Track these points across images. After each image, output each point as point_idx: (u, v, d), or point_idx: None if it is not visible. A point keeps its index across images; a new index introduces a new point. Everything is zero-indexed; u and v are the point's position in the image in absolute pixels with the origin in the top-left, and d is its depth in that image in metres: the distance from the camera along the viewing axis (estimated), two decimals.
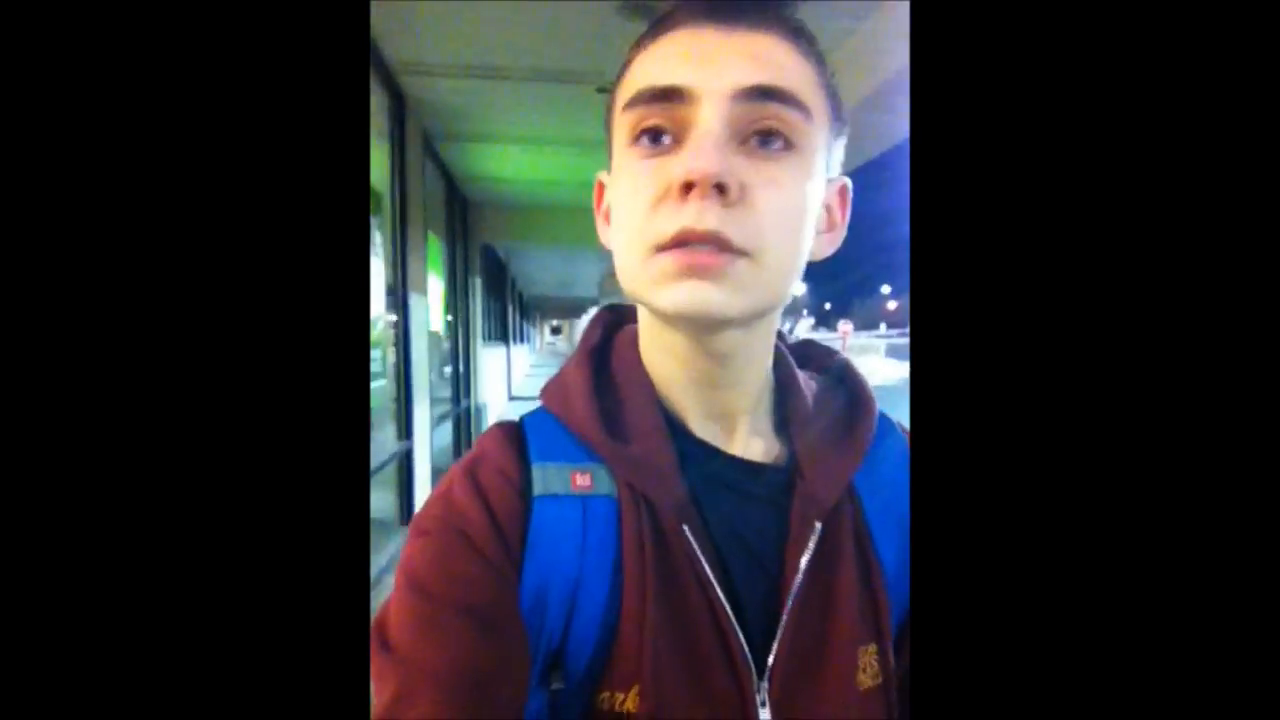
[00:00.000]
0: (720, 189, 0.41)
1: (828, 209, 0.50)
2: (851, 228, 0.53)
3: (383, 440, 3.48)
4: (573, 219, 6.66)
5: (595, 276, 13.48)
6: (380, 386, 3.47)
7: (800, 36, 0.46)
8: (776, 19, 0.45)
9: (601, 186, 0.53)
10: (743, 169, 0.42)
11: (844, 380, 0.58)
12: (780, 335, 0.56)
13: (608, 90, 0.50)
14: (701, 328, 0.46)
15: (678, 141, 0.43)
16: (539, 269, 13.16)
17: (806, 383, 0.56)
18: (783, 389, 0.55)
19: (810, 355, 0.60)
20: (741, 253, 0.42)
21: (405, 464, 3.80)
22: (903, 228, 0.60)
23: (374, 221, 3.34)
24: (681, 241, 0.42)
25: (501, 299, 10.80)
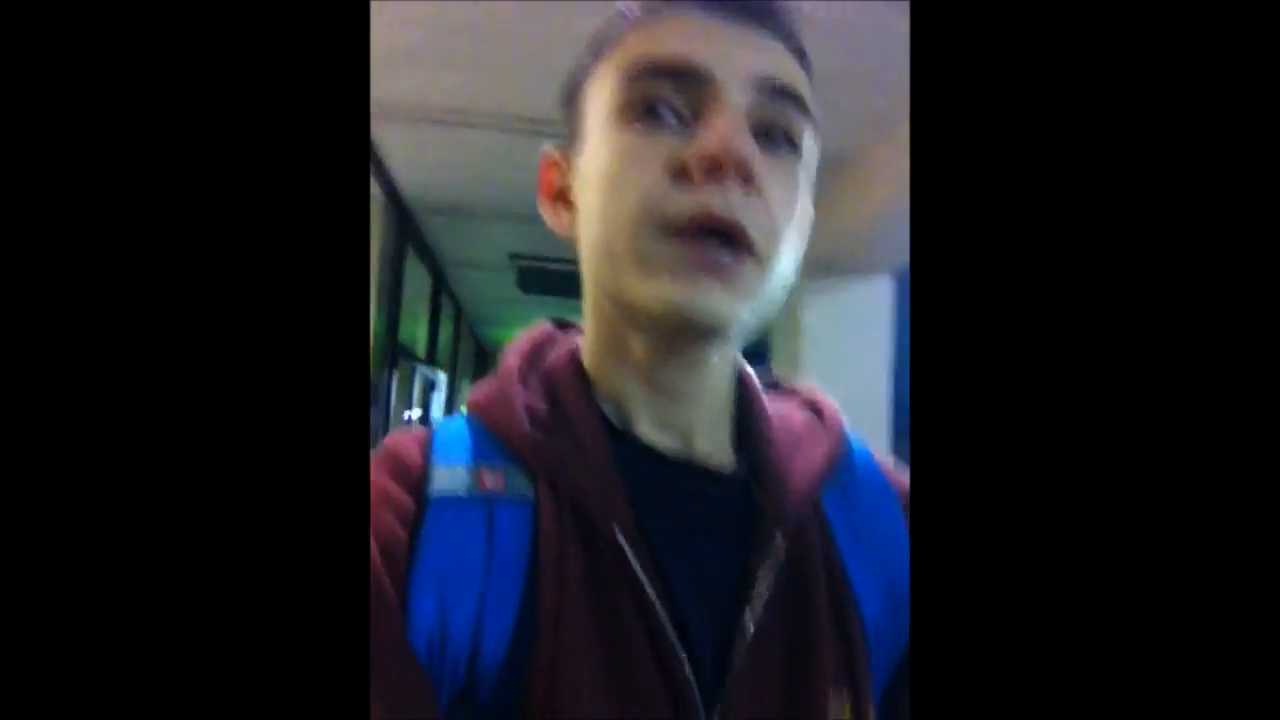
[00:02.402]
0: (745, 174, 0.38)
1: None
2: None
3: None
4: None
5: None
6: None
7: (800, 49, 0.44)
8: (782, 28, 0.43)
9: (552, 164, 0.48)
10: (759, 160, 0.40)
11: (808, 400, 0.53)
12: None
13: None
14: (687, 332, 0.41)
15: (688, 121, 0.40)
16: None
17: (769, 403, 0.51)
18: (743, 403, 0.49)
19: (775, 381, 0.55)
20: (753, 253, 0.40)
21: None
22: None
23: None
24: (699, 226, 0.38)
25: None
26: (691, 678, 0.38)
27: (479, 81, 2.09)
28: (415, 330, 4.29)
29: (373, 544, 0.38)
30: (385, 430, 3.98)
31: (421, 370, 4.27)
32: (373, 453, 0.43)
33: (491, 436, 0.44)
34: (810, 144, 0.44)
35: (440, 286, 4.43)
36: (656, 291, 0.39)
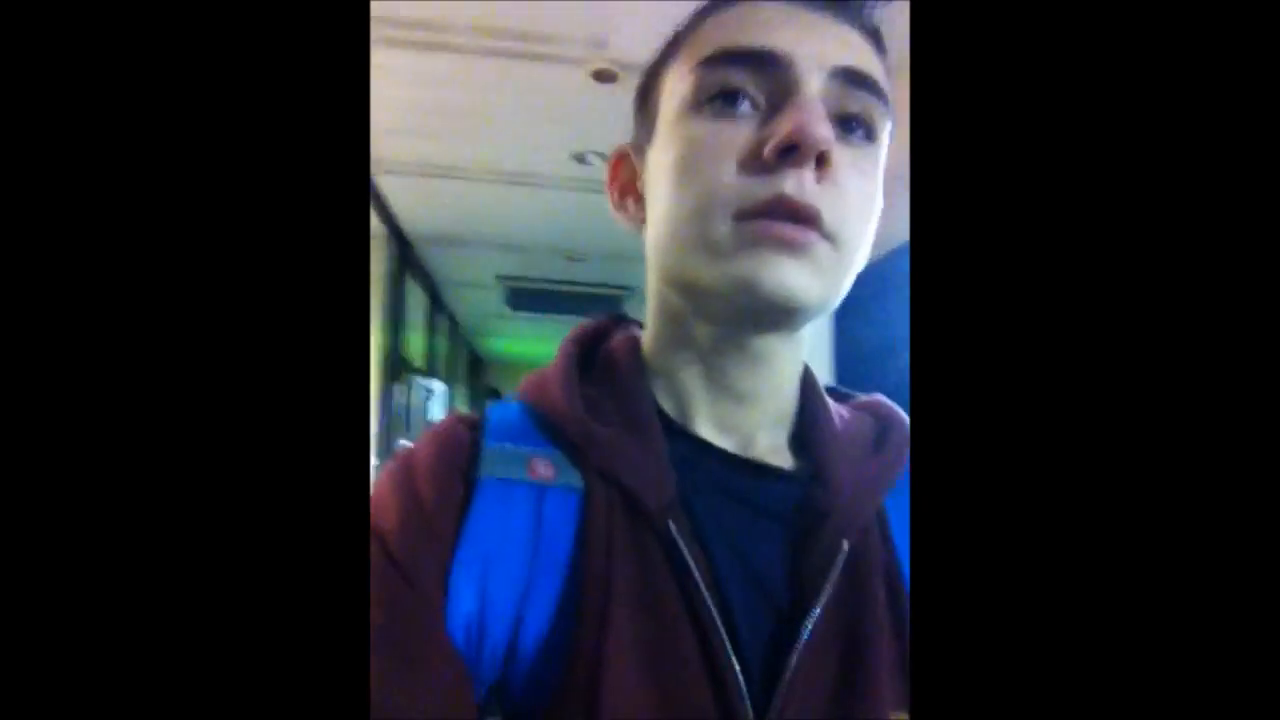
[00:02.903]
0: (821, 160, 0.38)
1: None
2: None
3: None
4: None
5: None
6: None
7: (879, 38, 0.44)
8: (858, 15, 0.43)
9: (621, 159, 0.48)
10: (835, 147, 0.39)
11: (875, 409, 0.51)
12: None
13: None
14: (759, 314, 0.41)
15: (766, 107, 0.40)
16: None
17: (835, 408, 0.49)
18: (807, 409, 0.48)
19: (840, 394, 0.53)
20: (828, 235, 0.39)
21: None
22: None
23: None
24: (773, 210, 0.38)
25: None
26: (741, 682, 0.37)
27: (465, 142, 2.53)
28: (416, 344, 4.68)
29: (417, 525, 0.39)
30: (388, 437, 4.38)
31: (419, 382, 4.68)
32: (406, 445, 0.47)
33: (544, 423, 0.43)
34: (887, 134, 0.43)
35: (437, 305, 4.86)
36: (727, 269, 0.39)
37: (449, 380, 5.72)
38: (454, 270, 4.33)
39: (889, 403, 0.51)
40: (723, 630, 0.38)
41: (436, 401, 5.06)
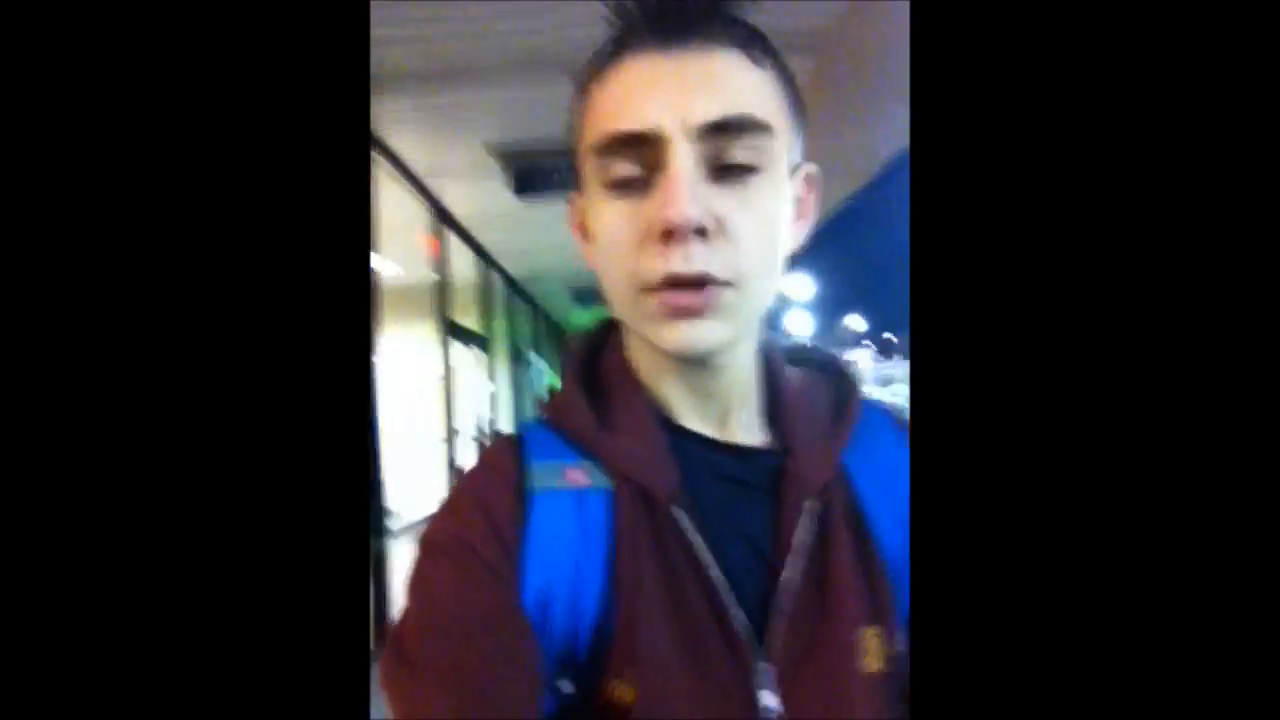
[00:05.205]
0: (700, 232, 0.43)
1: (797, 201, 0.51)
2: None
3: None
4: None
5: None
6: None
7: (752, 44, 0.46)
8: (725, 32, 0.45)
9: (573, 205, 0.54)
10: (717, 202, 0.44)
11: (827, 369, 0.60)
12: (770, 335, 0.57)
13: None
14: (691, 361, 0.49)
15: (649, 182, 0.45)
16: None
17: (793, 375, 0.57)
18: (768, 382, 0.56)
19: (808, 356, 0.61)
20: (727, 283, 0.45)
21: None
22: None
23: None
24: (668, 283, 0.44)
25: None
26: (742, 624, 0.47)
27: None
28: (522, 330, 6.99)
29: (494, 536, 0.47)
30: (517, 404, 6.56)
31: (533, 359, 6.98)
32: (472, 467, 0.53)
33: (570, 440, 0.52)
34: (780, 147, 0.46)
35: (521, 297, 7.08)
36: (656, 336, 0.47)
37: (542, 355, 7.97)
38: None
39: (843, 362, 0.60)
40: (724, 586, 0.47)
41: (539, 373, 7.30)
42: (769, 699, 0.46)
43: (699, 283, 0.44)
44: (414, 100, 2.90)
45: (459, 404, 4.80)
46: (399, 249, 3.77)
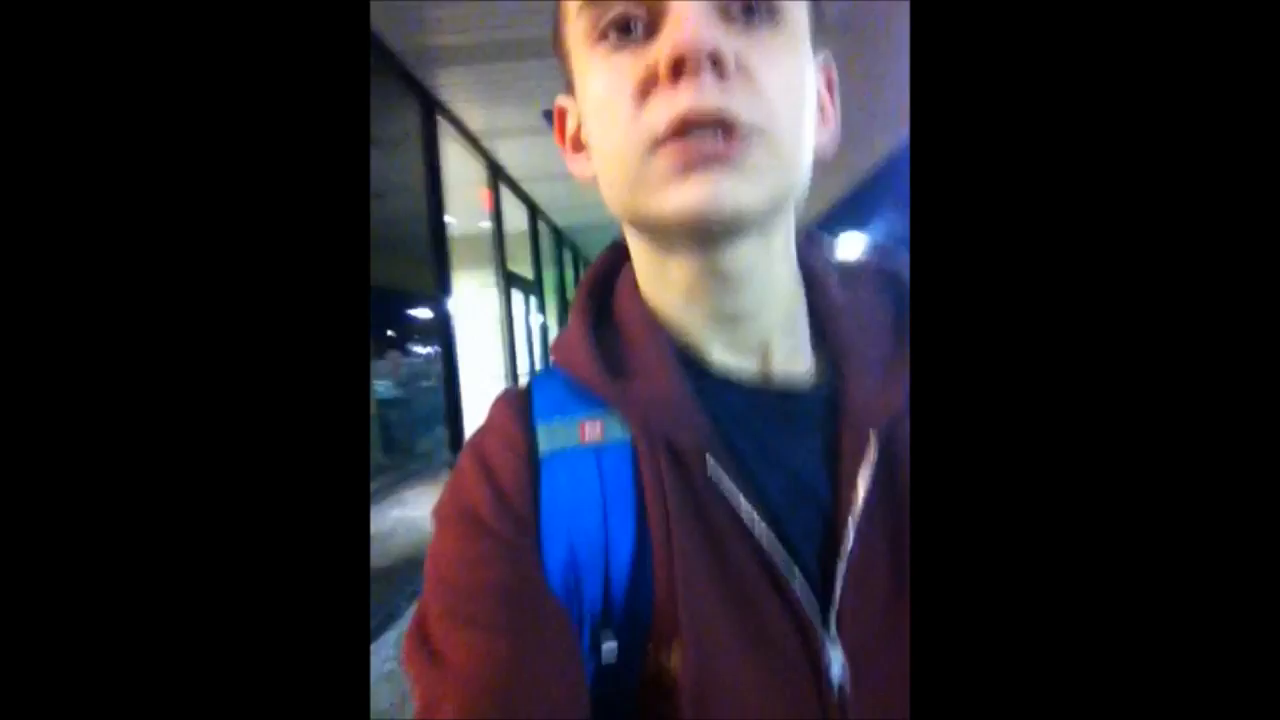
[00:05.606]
0: (715, 61, 0.36)
1: (819, 95, 0.44)
2: None
3: None
4: None
5: None
6: None
7: None
8: None
9: (563, 113, 0.47)
10: (733, 41, 0.37)
11: (880, 272, 0.50)
12: (812, 238, 0.50)
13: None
14: (714, 235, 0.40)
15: (652, 30, 0.39)
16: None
17: (843, 289, 0.48)
18: (816, 299, 0.48)
19: (858, 267, 0.51)
20: (752, 129, 0.37)
21: None
22: None
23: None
24: (682, 129, 0.37)
25: None
26: (803, 584, 0.41)
27: None
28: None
29: (504, 510, 0.42)
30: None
31: None
32: (478, 430, 0.48)
33: (580, 387, 0.46)
34: (798, 10, 0.41)
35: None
36: (663, 202, 0.38)
37: None
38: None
39: (890, 259, 0.51)
40: (776, 545, 0.40)
41: None
42: (836, 669, 0.40)
43: (718, 123, 0.37)
44: (473, 69, 3.47)
45: (518, 348, 5.29)
46: (459, 202, 4.35)
